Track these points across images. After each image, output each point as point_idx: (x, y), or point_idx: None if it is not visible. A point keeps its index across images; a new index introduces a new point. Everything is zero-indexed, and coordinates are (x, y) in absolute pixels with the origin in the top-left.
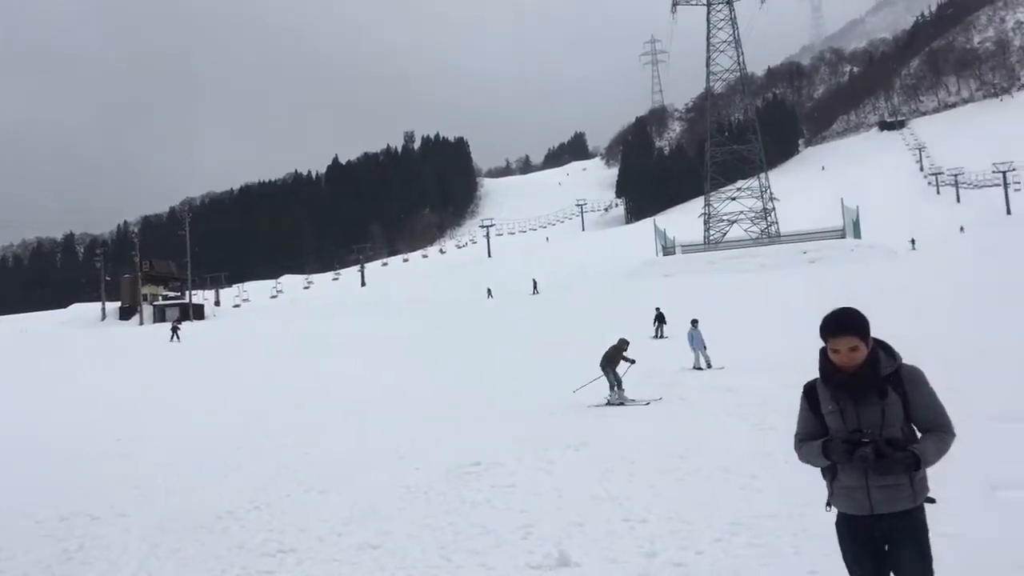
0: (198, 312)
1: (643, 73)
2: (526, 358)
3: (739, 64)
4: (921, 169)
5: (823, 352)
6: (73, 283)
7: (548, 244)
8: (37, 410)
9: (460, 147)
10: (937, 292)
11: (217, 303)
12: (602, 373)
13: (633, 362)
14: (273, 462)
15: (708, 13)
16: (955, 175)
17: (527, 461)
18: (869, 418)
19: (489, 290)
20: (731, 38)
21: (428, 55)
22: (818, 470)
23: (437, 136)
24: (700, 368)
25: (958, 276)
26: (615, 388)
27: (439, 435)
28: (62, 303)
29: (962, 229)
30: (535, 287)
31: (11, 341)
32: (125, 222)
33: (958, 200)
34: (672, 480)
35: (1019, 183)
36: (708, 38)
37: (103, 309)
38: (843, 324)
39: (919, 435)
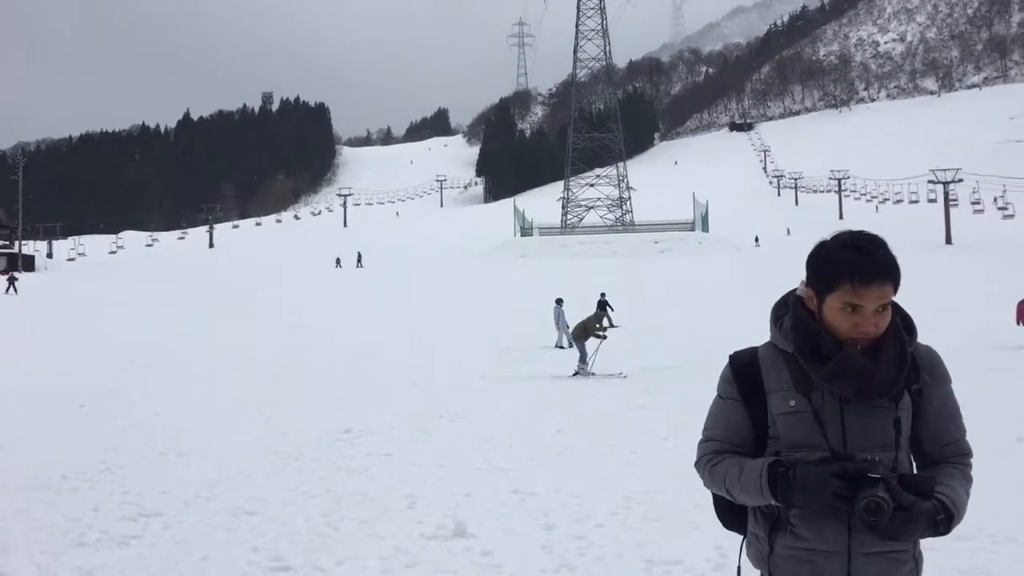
0: (28, 264)
1: (509, 55)
2: (380, 330)
3: (605, 53)
4: (765, 171)
5: (799, 306)
6: None
7: (402, 218)
8: None
9: (320, 113)
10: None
11: (50, 255)
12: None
13: (605, 337)
14: (121, 421)
15: (579, 1)
16: (795, 179)
17: (400, 430)
18: (871, 433)
19: (338, 259)
20: (599, 27)
21: (293, 16)
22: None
23: (297, 99)
24: (562, 347)
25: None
26: (583, 360)
27: (302, 399)
28: None
29: (788, 231)
30: (359, 260)
31: None
32: None
33: (796, 203)
34: (553, 453)
35: (852, 190)
36: (577, 25)
37: None
38: (882, 266)
39: (915, 466)
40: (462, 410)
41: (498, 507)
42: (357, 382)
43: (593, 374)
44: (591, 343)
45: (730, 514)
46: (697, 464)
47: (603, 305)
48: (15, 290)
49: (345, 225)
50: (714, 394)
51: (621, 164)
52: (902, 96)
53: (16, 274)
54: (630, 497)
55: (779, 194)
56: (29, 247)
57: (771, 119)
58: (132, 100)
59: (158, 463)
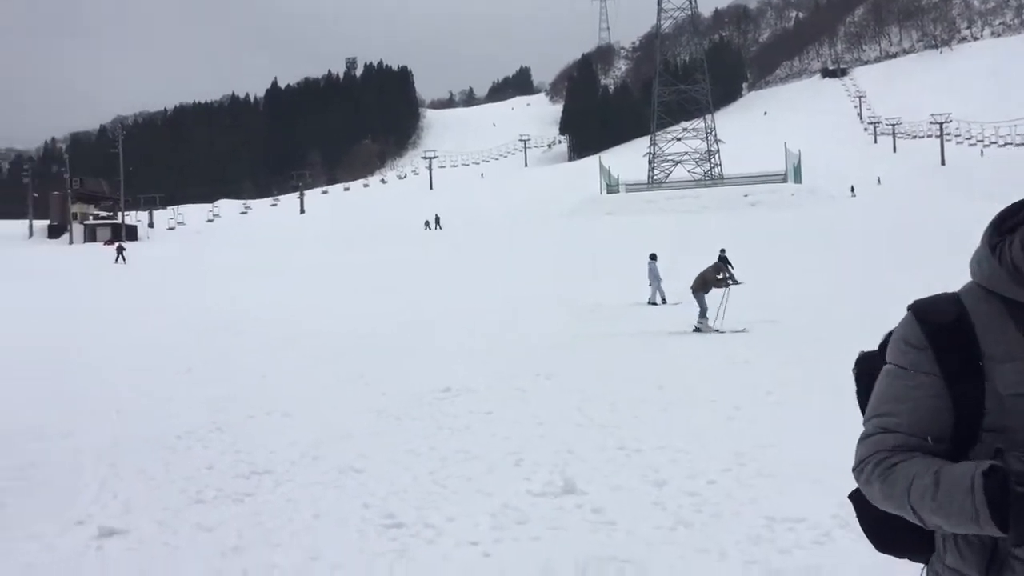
0: (131, 233)
1: (591, 9)
2: (471, 291)
3: (691, 2)
4: (860, 118)
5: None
6: None
7: (487, 179)
8: None
9: (403, 76)
10: (881, 236)
11: (151, 225)
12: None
13: (727, 285)
14: (228, 384)
15: None
16: (893, 125)
17: (498, 389)
18: None
19: (427, 222)
20: None
21: None
22: (819, 402)
23: (380, 64)
24: (655, 303)
25: (901, 221)
26: (703, 314)
27: (399, 362)
28: None
29: (879, 180)
30: (436, 222)
31: None
32: (52, 139)
33: (895, 150)
34: (655, 409)
35: (954, 135)
36: None
37: (30, 227)
38: None
39: None
40: (557, 368)
41: (605, 464)
42: (451, 343)
43: (717, 330)
44: (714, 297)
45: (898, 534)
46: (861, 467)
47: (724, 261)
48: (124, 259)
49: (431, 188)
50: (844, 354)
51: (709, 116)
52: (1008, 33)
53: (124, 244)
54: (741, 453)
55: (875, 141)
56: (131, 217)
57: (866, 63)
58: (222, 71)
59: (265, 423)
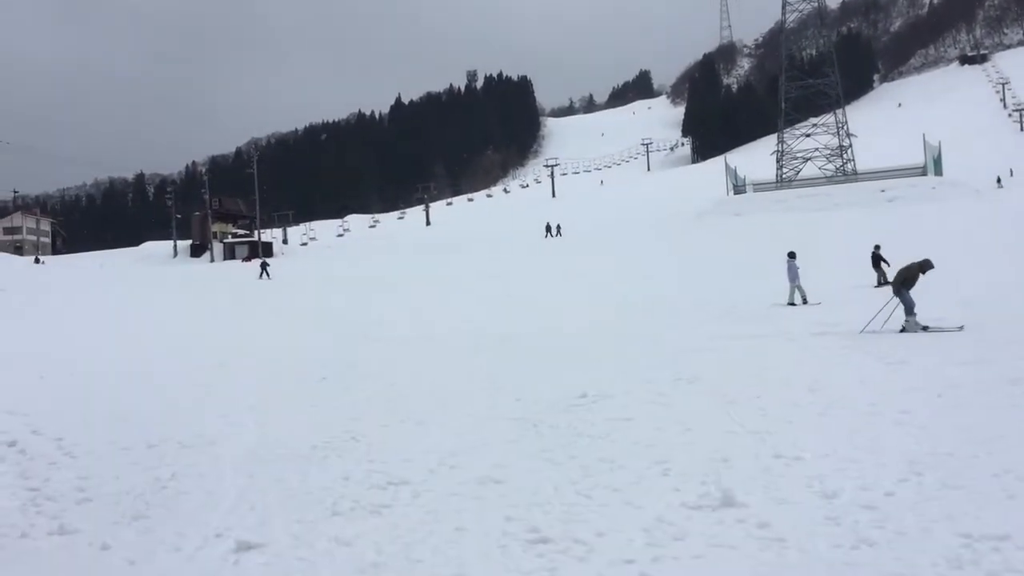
0: (266, 250)
1: (711, 8)
2: (598, 296)
3: None
4: (1004, 105)
5: None
6: (144, 221)
7: (609, 184)
8: (126, 342)
9: (523, 86)
10: None
11: (285, 241)
12: (895, 296)
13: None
14: (360, 393)
15: None
16: None
17: (637, 394)
18: None
19: (548, 227)
20: None
21: None
22: (998, 403)
23: (500, 75)
24: (795, 304)
25: None
26: (910, 311)
27: (532, 367)
28: (134, 241)
29: (1011, 173)
30: (557, 230)
31: (95, 275)
32: (193, 162)
33: None
34: (811, 414)
35: None
36: None
37: (175, 246)
38: None
39: None
40: (699, 372)
41: (762, 473)
42: (583, 348)
43: (926, 328)
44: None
45: None
46: None
47: (878, 259)
48: (267, 275)
49: (554, 195)
50: (985, 347)
51: (839, 111)
52: None
53: (267, 260)
54: (915, 461)
55: (1022, 128)
56: (267, 234)
57: (1008, 47)
58: (349, 90)
59: (399, 432)
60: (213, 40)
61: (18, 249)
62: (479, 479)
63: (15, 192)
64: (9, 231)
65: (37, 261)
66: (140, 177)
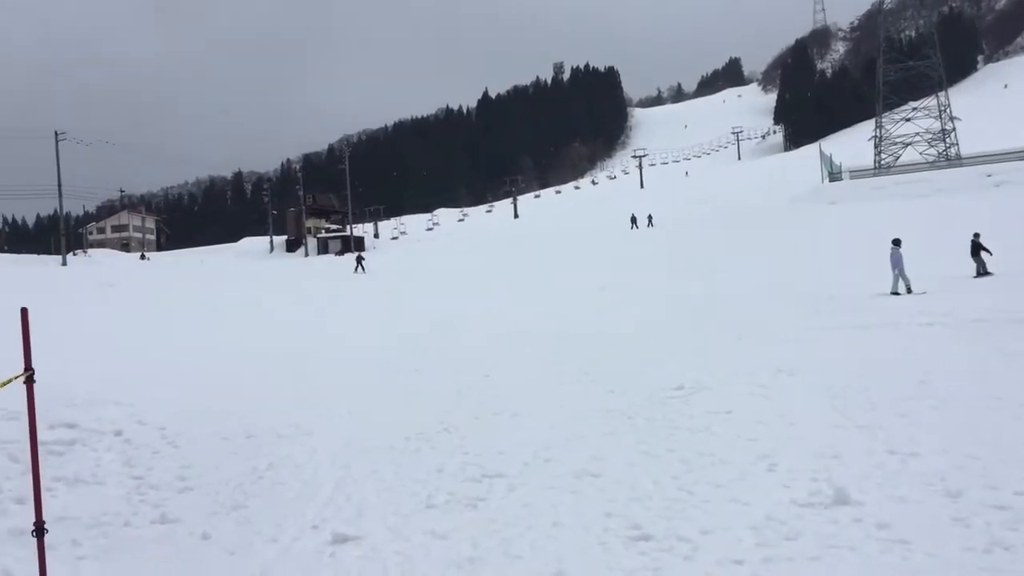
0: (358, 244)
1: None
2: (691, 286)
3: None
4: None
5: None
6: (243, 218)
7: (698, 173)
8: (227, 335)
9: (610, 77)
10: None
11: (376, 235)
12: None
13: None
14: (453, 384)
15: None
16: None
17: (735, 385)
18: None
19: (633, 219)
20: None
21: None
22: None
23: (586, 66)
24: (898, 293)
25: None
26: None
27: (625, 358)
28: (233, 237)
29: None
30: (648, 221)
31: (195, 270)
32: (288, 159)
33: None
34: (925, 408)
35: None
36: None
37: (271, 242)
38: None
39: None
40: (800, 363)
41: (875, 469)
42: (678, 338)
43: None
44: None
45: None
46: None
47: (978, 247)
48: (363, 268)
49: (642, 186)
50: None
51: (942, 93)
52: None
53: (363, 255)
54: None
55: None
56: (358, 229)
57: None
58: (436, 85)
59: (493, 423)
60: (305, 41)
61: (125, 246)
62: (575, 472)
63: (122, 191)
64: (117, 229)
65: (143, 257)
66: (238, 175)
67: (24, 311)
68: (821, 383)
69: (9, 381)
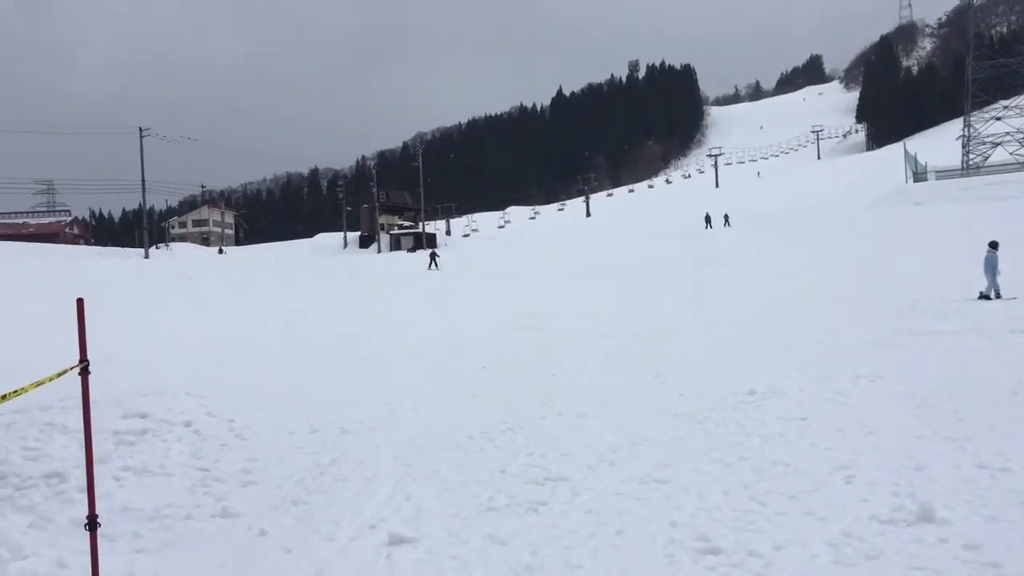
0: (430, 241)
1: None
2: (766, 286)
3: None
4: None
5: None
6: (319, 214)
7: (777, 172)
8: (297, 328)
9: (686, 75)
10: None
11: (448, 232)
12: None
13: None
14: (519, 383)
15: None
16: None
17: (811, 391)
18: None
19: (708, 218)
20: None
21: None
22: None
23: (662, 64)
24: (988, 297)
25: None
26: None
27: (695, 361)
28: (309, 232)
29: None
30: (725, 221)
31: (271, 265)
32: (363, 156)
33: None
34: (1018, 420)
35: None
36: None
37: (345, 238)
38: None
39: None
40: (881, 369)
41: (963, 485)
42: (751, 341)
43: None
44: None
45: None
46: None
47: None
48: (436, 265)
49: (717, 185)
50: None
51: None
52: None
53: (437, 252)
54: None
55: None
56: (431, 226)
57: None
58: (511, 84)
59: (557, 424)
60: (382, 41)
61: (205, 240)
62: (641, 478)
63: (203, 187)
64: (197, 223)
65: (220, 252)
66: (314, 172)
67: (80, 302)
68: (904, 390)
69: (63, 372)
